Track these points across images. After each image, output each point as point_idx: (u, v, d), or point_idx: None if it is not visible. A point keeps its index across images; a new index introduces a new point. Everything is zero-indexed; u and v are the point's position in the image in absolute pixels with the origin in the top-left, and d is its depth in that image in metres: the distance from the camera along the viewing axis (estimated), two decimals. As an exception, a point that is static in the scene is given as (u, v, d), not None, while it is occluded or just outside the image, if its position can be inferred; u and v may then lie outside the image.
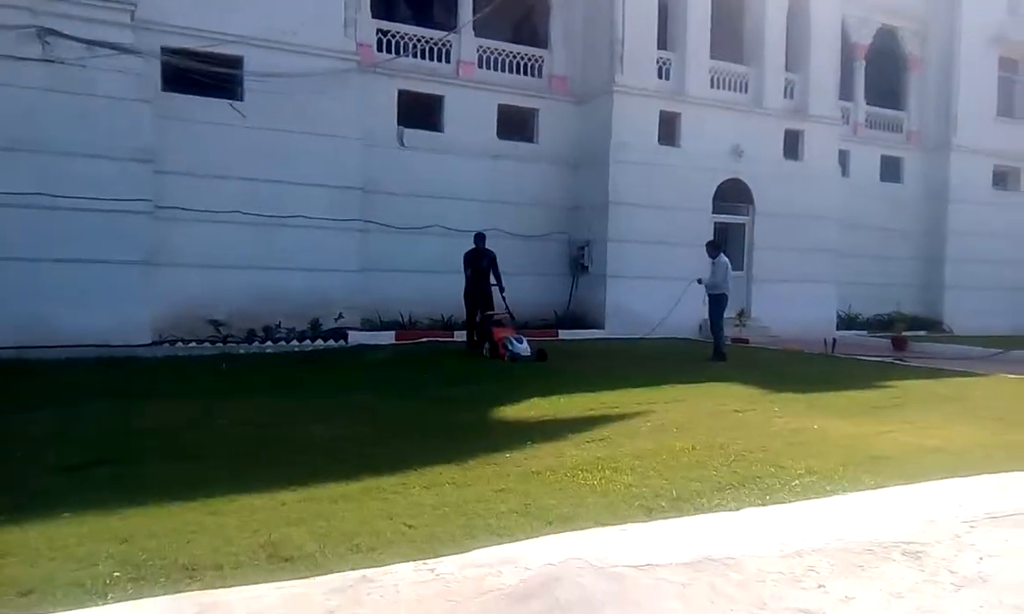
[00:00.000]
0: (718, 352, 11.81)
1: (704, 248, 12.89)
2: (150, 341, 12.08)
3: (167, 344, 12.08)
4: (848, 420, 6.53)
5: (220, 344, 12.45)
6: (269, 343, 12.86)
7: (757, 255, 17.50)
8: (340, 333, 13.64)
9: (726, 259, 12.42)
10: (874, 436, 5.83)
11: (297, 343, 13.06)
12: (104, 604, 2.73)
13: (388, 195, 14.96)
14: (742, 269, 17.51)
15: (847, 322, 18.99)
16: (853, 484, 4.33)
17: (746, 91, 17.49)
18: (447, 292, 15.15)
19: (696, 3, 16.52)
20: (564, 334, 15.23)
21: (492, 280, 12.34)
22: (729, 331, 15.28)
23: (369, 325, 14.35)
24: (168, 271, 12.45)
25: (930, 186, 20.99)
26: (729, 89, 17.30)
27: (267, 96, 13.44)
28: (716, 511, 3.86)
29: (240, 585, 2.78)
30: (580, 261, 16.30)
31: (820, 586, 2.18)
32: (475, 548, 3.31)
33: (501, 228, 16.07)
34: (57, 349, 10.63)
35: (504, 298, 12.16)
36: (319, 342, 13.23)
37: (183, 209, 12.74)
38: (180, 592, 2.97)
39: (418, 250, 15.30)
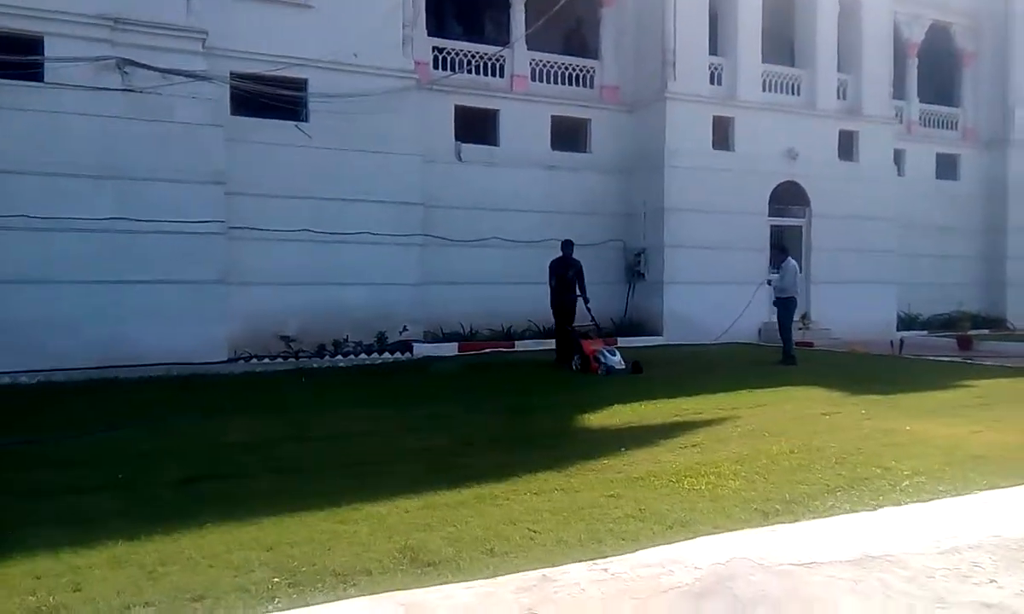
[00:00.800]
0: (788, 356, 11.80)
1: (771, 252, 12.88)
2: (226, 358, 12.49)
3: (242, 360, 12.45)
4: (937, 421, 6.54)
5: (292, 359, 12.79)
6: (339, 357, 13.17)
7: (815, 257, 17.39)
8: (405, 345, 13.91)
9: (794, 262, 12.39)
10: (968, 436, 5.85)
11: (366, 356, 13.35)
12: (303, 607, 2.90)
13: (447, 209, 15.22)
14: (800, 272, 17.38)
15: (907, 323, 18.73)
16: (965, 484, 4.38)
17: (799, 93, 17.44)
18: (507, 303, 15.46)
19: (747, 7, 16.54)
20: (623, 342, 15.20)
21: (577, 291, 12.13)
22: (793, 335, 15.25)
23: (432, 337, 14.60)
24: (240, 290, 12.84)
25: (988, 182, 20.64)
26: (781, 92, 17.27)
27: (330, 116, 13.81)
28: (834, 514, 3.95)
29: (393, 590, 2.96)
30: (636, 268, 16.37)
31: (992, 581, 2.28)
32: (605, 550, 3.49)
33: (558, 238, 16.22)
34: (139, 367, 11.07)
35: (589, 309, 11.95)
36: (386, 355, 13.52)
37: (253, 229, 13.14)
38: (340, 596, 3.18)
39: (477, 262, 15.54)
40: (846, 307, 17.01)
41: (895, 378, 9.60)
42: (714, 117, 16.35)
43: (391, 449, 6.14)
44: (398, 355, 13.63)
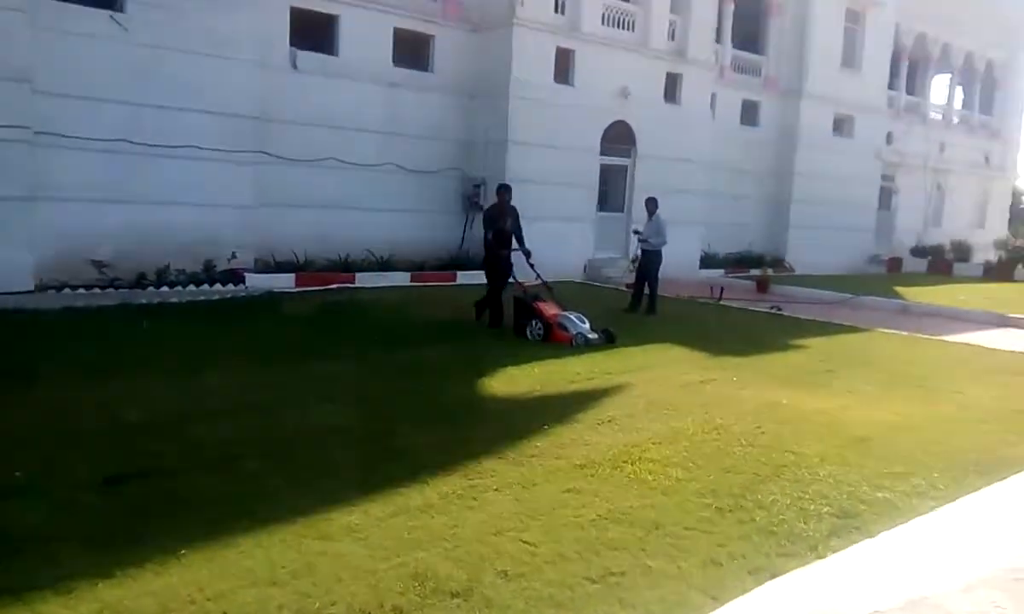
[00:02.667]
0: (652, 307, 12.30)
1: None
2: (33, 288, 10.86)
3: (52, 290, 10.88)
4: (802, 391, 7.30)
5: (111, 289, 11.39)
6: (165, 288, 11.91)
7: (637, 197, 18.17)
8: (236, 275, 12.89)
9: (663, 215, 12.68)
10: (839, 412, 6.61)
11: (195, 287, 12.19)
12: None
13: (280, 123, 14.07)
14: (623, 211, 18.30)
15: (706, 261, 20.36)
16: (875, 475, 4.96)
17: (634, 30, 17.84)
18: (343, 229, 14.81)
19: (592, -62, 16.50)
20: (462, 277, 15.25)
21: (515, 244, 10.48)
22: (622, 275, 16.12)
23: (263, 267, 13.63)
24: (46, 207, 11.14)
25: (782, 130, 22.70)
26: (619, 27, 17.55)
27: (151, 8, 12.07)
28: (776, 507, 4.32)
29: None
30: (475, 200, 16.23)
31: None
32: (609, 566, 3.58)
33: (396, 162, 15.74)
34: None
35: (532, 264, 10.23)
36: (217, 286, 12.45)
37: (59, 135, 11.35)
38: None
39: (312, 184, 14.66)
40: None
41: (735, 335, 10.53)
42: (557, 48, 16.33)
43: (311, 427, 5.76)
44: (231, 286, 12.61)
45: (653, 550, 3.89)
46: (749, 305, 14.18)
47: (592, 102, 16.95)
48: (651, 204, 12.70)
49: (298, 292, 12.82)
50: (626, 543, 3.97)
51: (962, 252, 25.11)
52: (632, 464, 5.13)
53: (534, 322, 9.54)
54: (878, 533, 3.85)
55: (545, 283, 10.12)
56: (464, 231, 16.53)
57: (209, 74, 12.75)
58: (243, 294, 12.30)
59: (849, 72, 23.70)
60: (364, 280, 14.03)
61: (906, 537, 3.47)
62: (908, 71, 27.79)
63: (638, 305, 12.47)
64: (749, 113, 22.23)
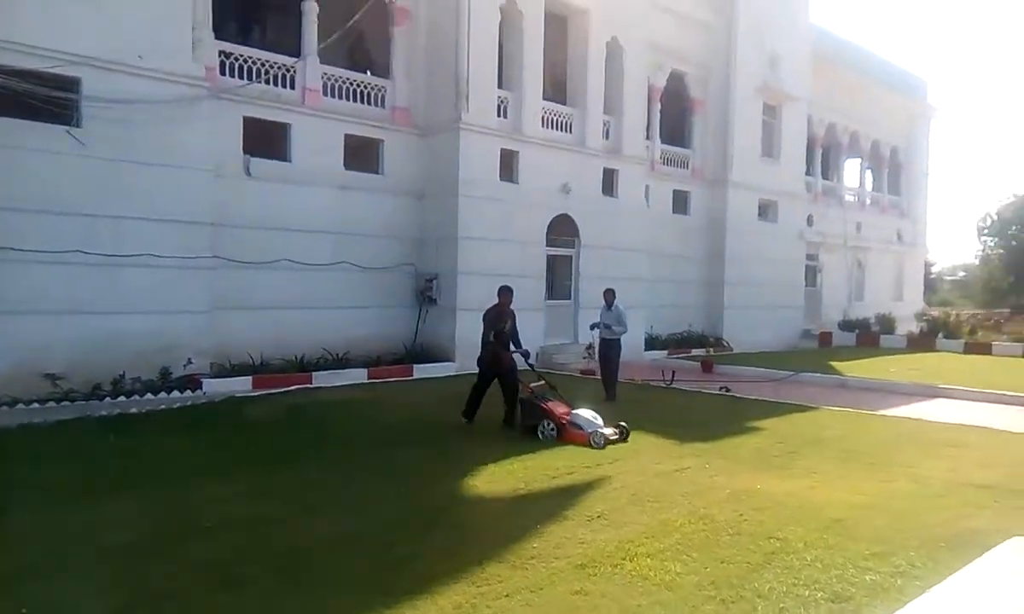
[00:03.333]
0: (613, 394, 12.69)
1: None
2: (-16, 404, 10.58)
3: (5, 407, 10.60)
4: (768, 474, 7.72)
5: (67, 402, 11.16)
6: (122, 397, 11.73)
7: (583, 285, 18.92)
8: (193, 382, 12.82)
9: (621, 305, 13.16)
10: (808, 493, 7.02)
11: (152, 396, 12.05)
12: None
13: (234, 228, 14.24)
14: (570, 298, 18.92)
15: (649, 342, 21.08)
16: (855, 556, 5.33)
17: (571, 132, 18.84)
18: (297, 330, 14.94)
19: (530, 47, 17.51)
20: (419, 371, 15.45)
21: (512, 346, 10.44)
22: (578, 362, 16.58)
23: (220, 370, 13.57)
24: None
25: (711, 217, 23.96)
26: (558, 129, 18.53)
27: (108, 123, 12.25)
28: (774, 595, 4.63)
29: None
30: (428, 293, 16.58)
31: None
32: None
33: (349, 261, 16.01)
34: None
35: (531, 365, 10.59)
36: (175, 393, 12.33)
37: (12, 250, 11.25)
38: None
39: (266, 286, 14.78)
40: (609, 329, 18.75)
41: (694, 419, 10.96)
42: (501, 149, 17.09)
43: (310, 539, 5.82)
44: (188, 393, 12.51)
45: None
46: (699, 386, 14.73)
47: (536, 198, 17.70)
48: (609, 295, 13.21)
49: (259, 395, 12.75)
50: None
51: (886, 324, 26.58)
52: (630, 561, 5.37)
53: (546, 423, 9.36)
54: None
55: (548, 382, 10.10)
56: (418, 325, 16.79)
57: (165, 184, 12.90)
58: (203, 400, 12.19)
59: (769, 161, 25.32)
60: (321, 379, 14.04)
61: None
62: (822, 158, 29.85)
63: (608, 393, 12.76)
64: (680, 202, 23.43)
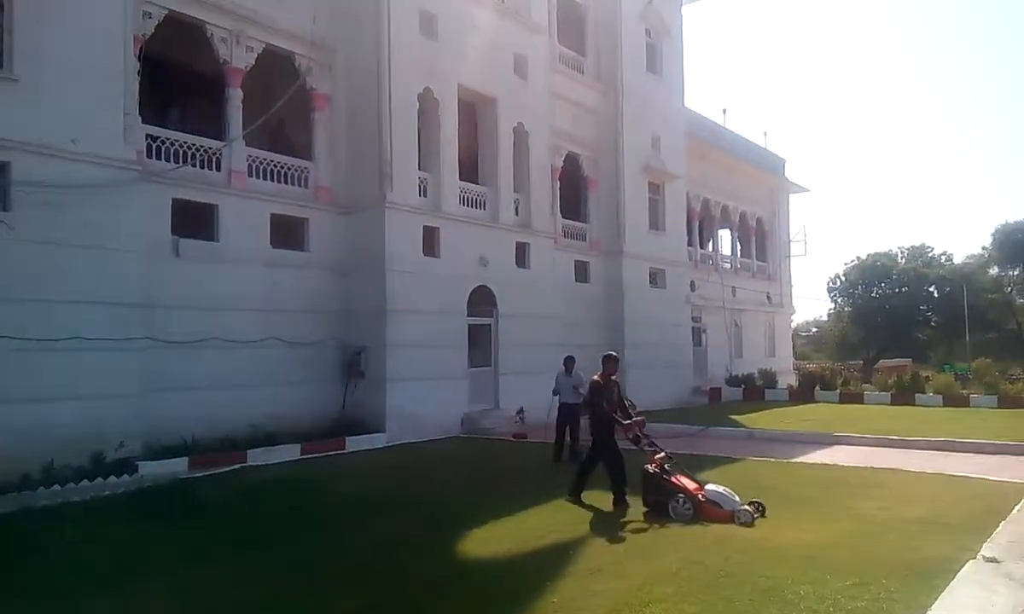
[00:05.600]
0: (575, 454, 13.03)
1: (562, 362, 14.27)
2: (-90, 503, 9.98)
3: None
4: (730, 521, 8.51)
5: None
6: (56, 486, 11.32)
7: (502, 352, 19.72)
8: (128, 465, 12.52)
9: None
10: (773, 536, 7.78)
11: (88, 482, 11.68)
12: None
13: (164, 308, 14.15)
14: (490, 365, 19.65)
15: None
16: (844, 590, 6.08)
17: (485, 208, 19.88)
18: (227, 408, 14.82)
19: (446, 131, 18.52)
20: (351, 442, 15.57)
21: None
22: (511, 427, 17.22)
23: (153, 452, 13.29)
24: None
25: (609, 284, 25.47)
26: (474, 206, 19.53)
27: (38, 206, 12.09)
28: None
29: None
30: (356, 366, 16.85)
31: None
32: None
33: (278, 336, 16.10)
34: None
35: (647, 435, 10.06)
36: (112, 478, 12.00)
37: (-65, 339, 10.82)
38: None
39: (195, 365, 14.66)
40: (527, 395, 19.48)
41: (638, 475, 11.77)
42: (424, 226, 17.84)
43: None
44: (125, 477, 12.20)
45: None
46: (622, 443, 15.58)
47: (457, 271, 18.48)
48: (569, 362, 13.96)
49: (201, 476, 12.57)
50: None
51: (768, 379, 28.83)
52: (647, 606, 5.91)
53: (680, 499, 8.71)
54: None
55: (665, 452, 9.53)
56: (344, 397, 16.97)
57: (95, 266, 12.79)
58: (147, 484, 11.92)
59: (656, 233, 27.31)
60: (256, 456, 13.95)
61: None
62: (699, 229, 32.42)
63: (571, 454, 13.18)
64: (581, 272, 24.83)
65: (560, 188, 24.24)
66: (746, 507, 8.54)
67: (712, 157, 32.48)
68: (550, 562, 7.26)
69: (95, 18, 13.06)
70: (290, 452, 14.52)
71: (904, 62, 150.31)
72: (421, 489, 11.50)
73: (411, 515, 9.61)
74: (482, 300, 19.41)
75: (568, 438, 13.59)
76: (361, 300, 17.13)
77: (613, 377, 10.08)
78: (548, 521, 8.85)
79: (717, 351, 31.77)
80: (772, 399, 26.75)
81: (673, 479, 8.98)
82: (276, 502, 10.85)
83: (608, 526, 8.46)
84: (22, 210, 12.01)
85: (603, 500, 9.71)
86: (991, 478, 11.08)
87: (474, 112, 20.17)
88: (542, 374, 20.08)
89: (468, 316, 18.95)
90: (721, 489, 8.85)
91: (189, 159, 14.94)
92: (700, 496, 8.72)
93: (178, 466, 13.01)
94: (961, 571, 5.92)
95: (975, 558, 6.32)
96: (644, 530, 8.39)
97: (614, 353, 10.47)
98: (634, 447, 9.84)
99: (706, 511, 8.57)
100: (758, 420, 19.40)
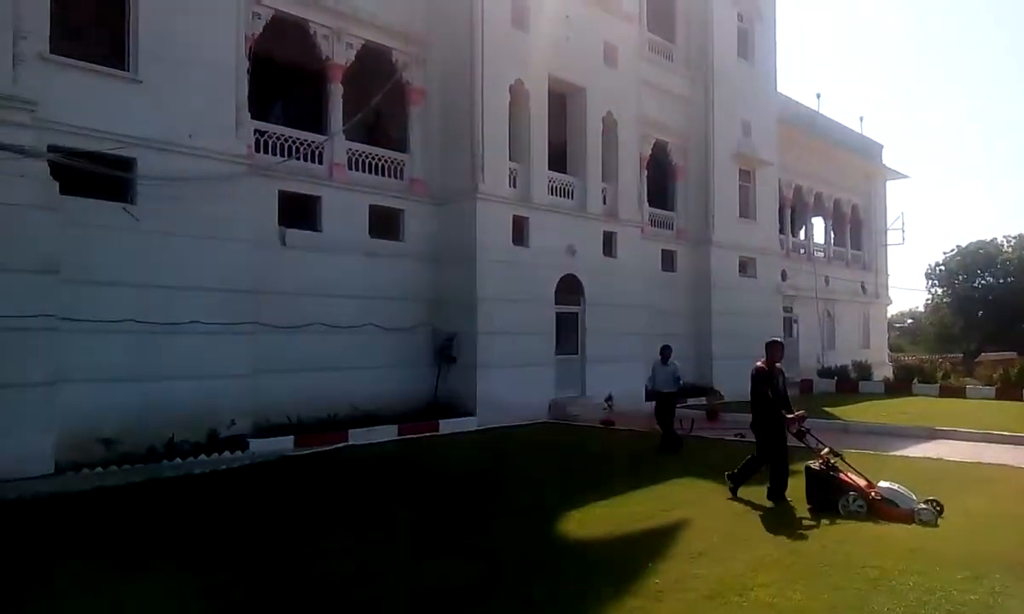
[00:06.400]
0: (676, 442, 13.28)
1: (659, 351, 14.18)
2: (53, 470, 10.98)
3: (71, 472, 11.01)
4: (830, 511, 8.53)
5: (128, 465, 11.62)
6: (178, 460, 12.24)
7: (588, 339, 19.93)
8: (239, 442, 13.34)
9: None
10: (875, 526, 7.84)
11: (205, 457, 12.56)
12: None
13: (271, 294, 14.93)
14: (577, 353, 19.87)
15: (648, 394, 21.97)
16: (955, 583, 6.02)
17: (573, 198, 20.06)
18: (328, 389, 15.56)
19: (537, 122, 18.77)
20: (444, 425, 16.07)
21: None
22: (598, 414, 17.45)
23: (260, 430, 14.10)
24: (61, 389, 11.43)
25: (696, 274, 25.27)
26: (562, 196, 19.74)
27: (159, 199, 12.97)
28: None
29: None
30: (448, 352, 17.35)
31: None
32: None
33: (376, 323, 16.77)
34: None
35: (809, 430, 9.51)
36: (226, 453, 12.84)
37: (74, 320, 11.78)
38: None
39: (300, 349, 15.42)
40: (613, 383, 19.68)
41: (731, 465, 11.79)
42: (514, 216, 18.17)
43: (464, 578, 6.44)
44: (238, 453, 13.03)
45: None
46: (713, 434, 15.63)
47: (545, 260, 18.75)
48: (666, 351, 13.96)
49: (307, 453, 13.30)
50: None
51: (863, 371, 28.05)
52: (751, 591, 6.01)
53: (851, 496, 8.39)
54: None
55: (831, 449, 8.96)
56: (437, 381, 17.52)
57: (209, 255, 13.61)
58: (259, 459, 12.68)
59: (746, 221, 26.87)
60: (357, 436, 14.60)
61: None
62: (792, 217, 31.68)
63: (673, 445, 13.20)
64: (668, 261, 24.71)
65: (647, 176, 24.18)
66: (925, 506, 8.10)
67: (805, 143, 31.64)
68: (652, 545, 7.43)
69: (211, 19, 13.87)
70: (388, 432, 15.16)
71: (1006, 40, 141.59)
72: (515, 470, 11.87)
73: (509, 494, 9.95)
74: (570, 289, 19.63)
75: (667, 427, 13.58)
76: (453, 288, 17.62)
77: (778, 365, 9.43)
78: (647, 506, 9.01)
79: (809, 342, 31.04)
80: (866, 391, 26.02)
81: (843, 476, 8.61)
82: (389, 479, 11.29)
83: (708, 517, 8.47)
84: (146, 203, 12.90)
85: (694, 491, 9.81)
86: (1106, 476, 10.64)
87: (563, 101, 20.33)
88: (628, 362, 20.43)
89: (556, 304, 19.20)
90: (896, 486, 8.46)
91: (294, 153, 15.69)
92: (873, 494, 8.38)
93: (285, 444, 13.79)
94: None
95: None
96: (744, 518, 8.47)
97: (779, 339, 9.93)
98: (799, 443, 9.31)
99: (881, 510, 8.21)
100: (853, 412, 18.99)
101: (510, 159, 18.33)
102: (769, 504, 9.02)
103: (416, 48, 17.96)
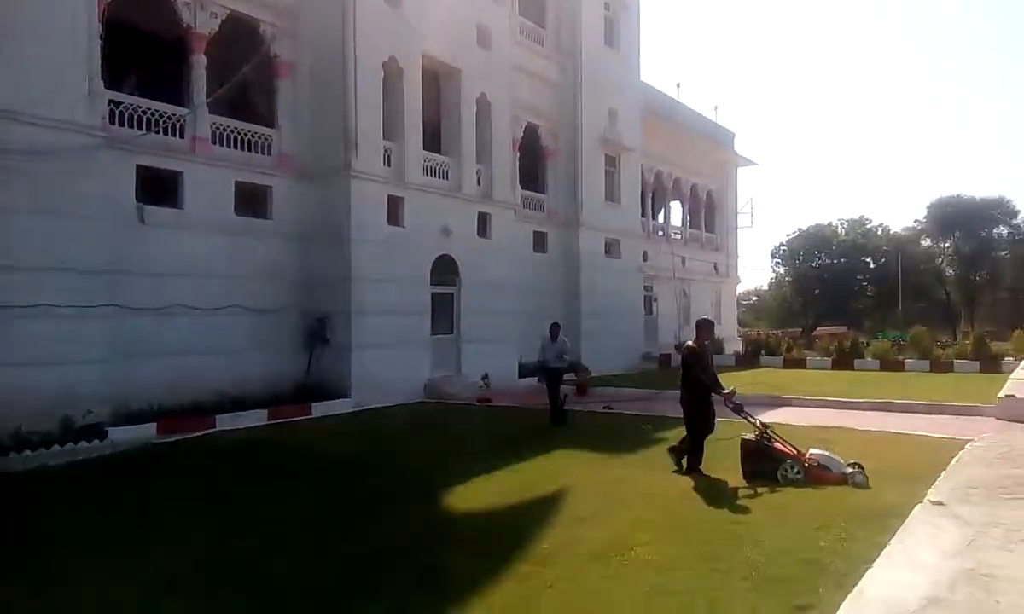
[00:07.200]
0: (561, 414, 13.75)
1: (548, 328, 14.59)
2: None
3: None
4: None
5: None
6: (27, 452, 11.37)
7: (464, 320, 20.09)
8: (98, 431, 12.56)
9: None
10: (736, 486, 8.55)
11: (59, 447, 11.76)
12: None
13: (130, 275, 14.09)
14: (452, 333, 20.00)
15: (521, 370, 22.47)
16: (806, 532, 6.73)
17: (448, 179, 20.08)
18: (192, 373, 14.91)
19: (410, 101, 18.60)
20: (317, 408, 15.77)
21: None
22: (474, 392, 17.65)
23: (119, 419, 13.31)
24: None
25: (566, 254, 26.00)
26: (437, 177, 19.71)
27: (5, 172, 11.90)
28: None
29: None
30: (320, 333, 16.99)
31: None
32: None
33: (241, 304, 16.16)
34: None
35: (740, 406, 9.73)
36: (83, 443, 12.08)
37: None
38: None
39: (160, 332, 14.69)
40: (487, 362, 20.04)
41: (603, 436, 12.34)
42: (388, 195, 17.98)
43: (351, 554, 6.47)
44: (96, 442, 12.28)
45: (724, 601, 5.26)
46: (584, 406, 16.27)
47: (420, 240, 18.71)
48: (555, 328, 14.40)
49: (172, 440, 12.73)
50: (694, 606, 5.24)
51: (716, 346, 29.76)
52: (631, 550, 6.39)
53: (788, 464, 8.67)
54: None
55: (762, 423, 9.30)
56: (309, 364, 17.13)
57: (59, 233, 12.67)
58: (120, 449, 12.02)
59: (611, 204, 27.90)
60: (224, 422, 14.08)
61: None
62: (652, 201, 33.12)
63: (558, 417, 13.73)
64: (539, 242, 25.26)
65: (519, 159, 24.54)
66: (853, 469, 8.56)
67: (665, 130, 33.07)
68: (536, 513, 7.75)
69: (60, -20, 12.79)
70: (257, 417, 14.71)
71: (849, 38, 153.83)
72: (395, 449, 11.92)
73: (392, 474, 10.00)
74: (445, 269, 19.70)
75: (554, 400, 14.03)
76: (325, 268, 17.23)
77: (707, 343, 9.72)
78: (530, 477, 9.34)
79: (666, 319, 32.69)
80: (720, 364, 27.17)
81: (777, 445, 8.91)
82: (259, 461, 11.07)
83: (588, 484, 8.92)
84: (-12, 175, 11.81)
85: (571, 460, 10.21)
86: (931, 434, 12.00)
87: (438, 82, 20.27)
88: (503, 342, 20.82)
89: (431, 285, 19.22)
90: (825, 452, 8.88)
91: (152, 126, 14.77)
92: (807, 461, 8.71)
93: (147, 431, 13.14)
94: (912, 514, 6.58)
95: (923, 503, 7.02)
96: (622, 484, 8.93)
97: (709, 318, 10.07)
98: (736, 416, 9.61)
99: (816, 476, 8.54)
100: (710, 385, 20.15)
101: (384, 138, 18.08)
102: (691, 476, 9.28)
103: (286, 20, 17.32)
